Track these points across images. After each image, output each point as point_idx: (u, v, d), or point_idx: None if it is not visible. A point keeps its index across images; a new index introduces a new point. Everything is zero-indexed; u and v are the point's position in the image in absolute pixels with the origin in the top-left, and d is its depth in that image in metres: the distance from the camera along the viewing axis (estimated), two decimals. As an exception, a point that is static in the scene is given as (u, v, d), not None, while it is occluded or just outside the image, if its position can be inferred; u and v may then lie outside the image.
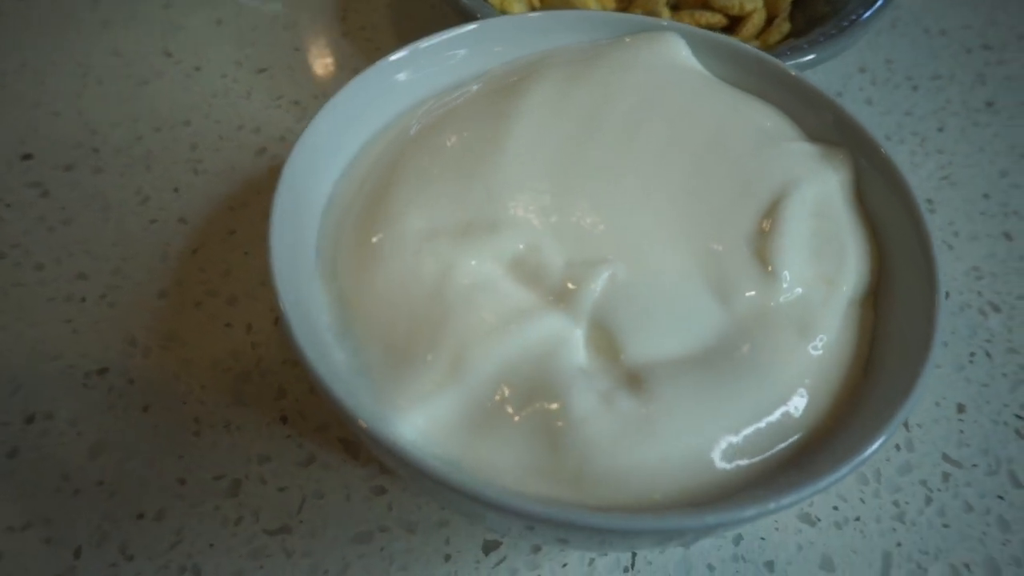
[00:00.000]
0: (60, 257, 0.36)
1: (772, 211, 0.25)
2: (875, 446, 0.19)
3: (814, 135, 0.28)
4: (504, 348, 0.22)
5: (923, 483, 0.30)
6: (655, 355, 0.22)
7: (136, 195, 0.38)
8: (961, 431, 0.32)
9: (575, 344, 0.22)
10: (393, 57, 0.29)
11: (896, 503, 0.30)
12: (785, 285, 0.23)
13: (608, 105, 0.27)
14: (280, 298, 0.21)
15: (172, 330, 0.33)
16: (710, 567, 0.28)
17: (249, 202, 0.38)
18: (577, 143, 0.26)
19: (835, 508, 0.29)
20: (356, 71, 0.45)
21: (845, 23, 0.36)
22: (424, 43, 0.29)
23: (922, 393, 0.20)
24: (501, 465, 0.21)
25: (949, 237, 0.39)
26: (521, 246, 0.23)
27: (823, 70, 0.46)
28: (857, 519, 0.29)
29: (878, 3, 0.37)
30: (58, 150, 0.40)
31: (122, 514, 0.28)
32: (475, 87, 0.29)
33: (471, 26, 0.29)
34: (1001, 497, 0.30)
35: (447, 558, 0.28)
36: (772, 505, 0.18)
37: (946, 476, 0.30)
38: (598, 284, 0.23)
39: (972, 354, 0.34)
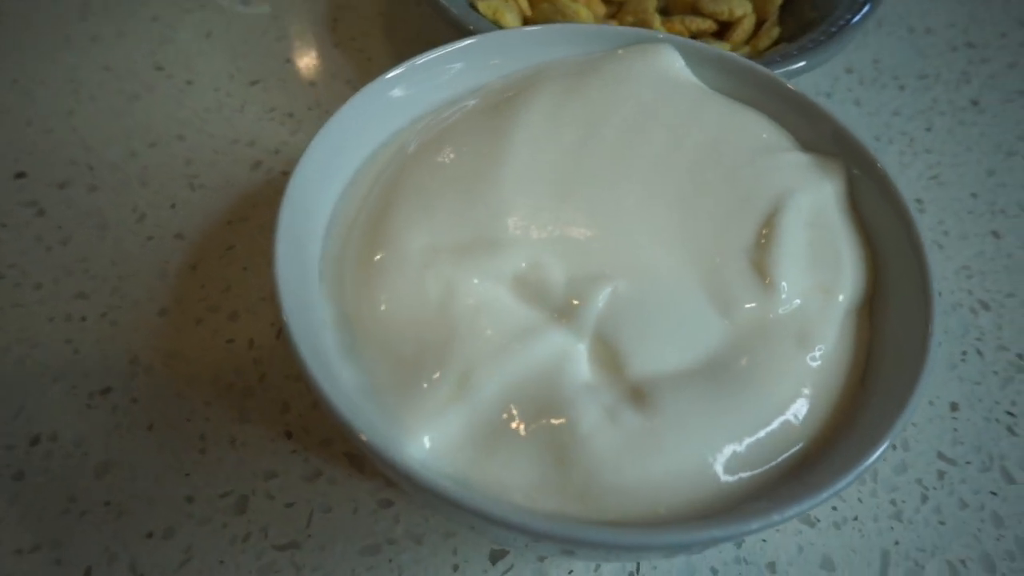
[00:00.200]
0: (58, 276, 0.36)
1: (769, 222, 0.25)
2: (875, 456, 0.20)
3: (807, 144, 0.29)
4: (509, 366, 0.22)
5: (919, 481, 0.31)
6: (658, 368, 0.22)
7: (133, 212, 0.39)
8: (955, 429, 0.32)
9: (579, 360, 0.23)
10: (390, 74, 0.29)
11: (893, 502, 0.30)
12: (784, 296, 0.24)
13: (604, 119, 0.28)
14: (288, 323, 0.21)
15: (174, 348, 0.33)
16: (713, 570, 0.28)
17: (247, 216, 0.38)
18: (575, 158, 0.27)
19: (834, 508, 0.30)
20: (349, 82, 0.46)
21: (834, 29, 0.37)
22: (421, 59, 0.29)
23: (919, 402, 0.21)
24: (509, 482, 0.21)
25: (939, 237, 0.39)
26: (523, 264, 0.24)
27: (811, 71, 0.46)
28: (855, 519, 0.30)
29: (865, 8, 0.38)
30: (52, 168, 0.40)
31: (131, 534, 0.28)
32: (471, 102, 0.30)
33: (468, 41, 0.30)
34: (994, 493, 0.31)
35: (455, 568, 0.28)
36: (776, 517, 0.19)
37: (941, 474, 0.31)
38: (600, 299, 0.23)
39: (964, 352, 0.35)
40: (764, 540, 0.29)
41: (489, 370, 0.22)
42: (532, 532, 0.18)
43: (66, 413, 0.31)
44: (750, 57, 0.40)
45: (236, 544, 0.28)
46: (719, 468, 0.21)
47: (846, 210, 0.27)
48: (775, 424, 0.22)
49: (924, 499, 0.30)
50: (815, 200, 0.26)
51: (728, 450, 0.21)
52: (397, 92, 0.29)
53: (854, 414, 0.22)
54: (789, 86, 0.28)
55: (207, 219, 0.38)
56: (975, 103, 0.47)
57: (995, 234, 0.40)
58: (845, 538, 0.29)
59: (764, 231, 0.25)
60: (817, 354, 0.23)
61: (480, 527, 0.22)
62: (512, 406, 0.22)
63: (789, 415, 0.22)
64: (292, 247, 0.24)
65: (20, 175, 0.40)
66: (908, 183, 0.42)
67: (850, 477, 0.19)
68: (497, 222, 0.25)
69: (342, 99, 0.44)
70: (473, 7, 0.41)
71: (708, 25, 0.41)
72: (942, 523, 0.30)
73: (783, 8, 0.43)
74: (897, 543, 0.29)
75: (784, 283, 0.24)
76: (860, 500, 0.30)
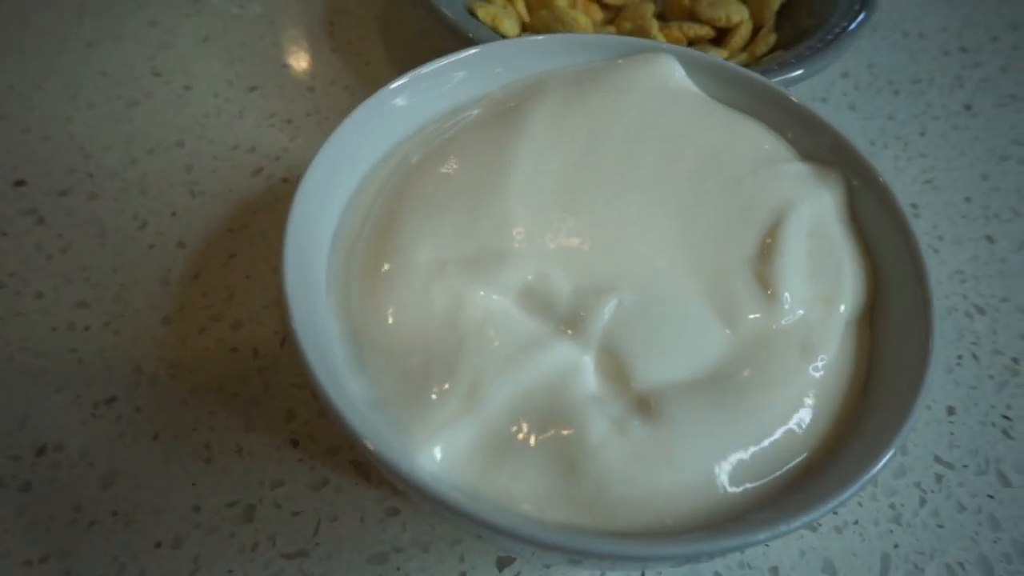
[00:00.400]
0: (59, 285, 0.36)
1: (770, 233, 0.26)
2: (879, 465, 0.20)
3: (806, 153, 0.29)
4: (518, 378, 0.22)
5: (917, 485, 0.31)
6: (664, 379, 0.23)
7: (133, 220, 0.39)
8: (952, 433, 0.33)
9: (586, 371, 0.23)
10: (394, 84, 0.29)
11: (892, 506, 0.31)
12: (786, 307, 0.24)
13: (607, 130, 0.28)
14: (297, 336, 0.21)
15: (178, 357, 0.33)
16: (717, 574, 0.29)
17: (248, 224, 0.39)
18: (578, 169, 0.27)
19: (835, 513, 0.30)
20: (347, 87, 0.46)
21: (830, 36, 0.37)
22: (425, 69, 0.29)
23: (921, 410, 0.21)
24: (518, 492, 0.21)
25: (934, 241, 0.40)
26: (529, 276, 0.24)
27: (807, 77, 0.47)
28: (856, 523, 0.30)
29: (860, 16, 0.38)
30: (52, 175, 0.40)
31: (139, 544, 0.28)
32: (474, 112, 0.30)
33: (471, 51, 0.30)
34: (991, 496, 0.31)
35: (462, 575, 0.28)
36: (784, 527, 0.19)
37: (939, 477, 0.32)
38: (606, 311, 0.23)
39: (960, 357, 0.35)
40: (767, 545, 0.29)
41: (497, 382, 0.22)
42: (545, 545, 0.19)
43: (71, 423, 0.31)
44: (747, 63, 0.40)
45: (244, 553, 0.28)
46: (725, 478, 0.21)
47: (845, 220, 0.27)
48: (779, 434, 0.22)
49: (922, 503, 0.31)
50: (815, 210, 0.27)
51: (733, 460, 0.22)
52: (400, 101, 0.30)
53: (857, 423, 0.23)
54: (791, 97, 0.28)
55: (208, 226, 0.38)
56: (968, 107, 0.47)
57: (989, 238, 0.40)
58: (846, 542, 0.30)
59: (766, 241, 0.25)
60: (820, 364, 0.24)
61: (488, 537, 0.23)
62: (520, 417, 0.22)
63: (793, 425, 0.23)
64: (299, 259, 0.24)
65: (19, 183, 0.40)
66: (903, 187, 0.42)
67: (855, 487, 0.20)
68: (502, 234, 0.25)
69: (341, 105, 0.45)
70: (472, 13, 0.41)
71: (706, 31, 0.42)
72: (940, 526, 0.30)
73: (779, 14, 0.43)
74: (897, 546, 0.30)
75: (787, 294, 0.24)
76: (860, 504, 0.31)
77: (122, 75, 0.46)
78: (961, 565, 0.29)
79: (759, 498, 0.22)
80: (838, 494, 0.19)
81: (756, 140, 0.28)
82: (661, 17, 0.45)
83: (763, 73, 0.34)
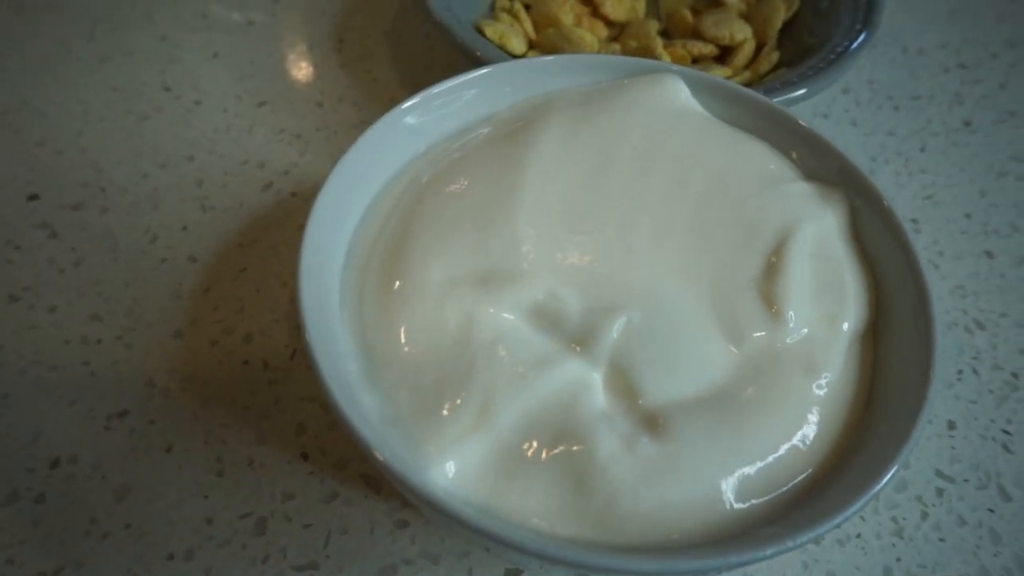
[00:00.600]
0: (72, 299, 0.36)
1: (776, 252, 0.26)
2: (884, 481, 0.20)
3: (810, 173, 0.30)
4: (528, 395, 0.23)
5: (919, 499, 0.32)
6: (671, 397, 0.23)
7: (145, 234, 0.39)
8: (952, 447, 0.33)
9: (595, 388, 0.23)
10: (406, 104, 0.29)
11: (894, 519, 0.31)
12: (791, 326, 0.25)
13: (614, 150, 0.28)
14: (313, 353, 0.22)
15: (189, 370, 0.34)
16: (721, 587, 0.29)
17: (259, 239, 0.39)
18: (587, 189, 0.27)
19: (839, 527, 0.31)
20: (355, 104, 0.47)
21: (832, 56, 0.38)
22: (436, 89, 0.30)
23: (924, 427, 0.22)
24: (529, 508, 0.22)
25: (934, 256, 0.40)
26: (540, 295, 0.25)
27: (809, 94, 0.48)
28: (858, 536, 0.31)
29: (862, 36, 0.39)
30: (64, 190, 0.41)
31: (152, 556, 0.29)
32: (483, 131, 0.31)
33: (482, 71, 0.30)
34: (992, 510, 0.32)
35: (470, 588, 0.29)
36: (790, 543, 0.19)
37: (940, 492, 0.32)
38: (615, 330, 0.24)
39: (960, 372, 0.36)
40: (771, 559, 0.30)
41: (508, 398, 0.23)
42: (554, 560, 0.19)
43: (85, 436, 0.32)
44: (750, 81, 0.41)
45: (256, 565, 0.29)
46: (731, 494, 0.22)
47: (848, 239, 0.28)
48: (784, 451, 0.23)
49: (924, 516, 0.31)
50: (819, 230, 0.27)
51: (739, 476, 0.22)
52: (411, 120, 0.30)
53: (860, 439, 0.23)
54: (797, 119, 0.29)
55: (219, 241, 0.39)
56: (967, 124, 0.48)
57: (988, 254, 0.41)
58: (849, 555, 0.30)
59: (772, 260, 0.26)
60: (823, 382, 0.24)
61: (499, 551, 0.23)
62: (531, 434, 0.23)
63: (797, 441, 0.23)
64: (314, 276, 0.25)
65: (33, 197, 0.40)
66: (904, 203, 0.43)
67: (860, 503, 0.20)
68: (513, 253, 0.25)
69: (349, 120, 0.45)
70: (479, 31, 0.42)
71: (709, 49, 0.42)
72: (942, 540, 0.31)
73: (782, 33, 0.44)
74: (899, 560, 0.30)
75: (791, 313, 0.25)
76: (863, 518, 0.31)
77: (133, 90, 0.46)
78: (963, 578, 0.30)
79: (765, 514, 0.22)
80: (843, 510, 0.20)
81: (761, 160, 0.29)
82: (665, 35, 0.46)
83: (767, 92, 0.35)
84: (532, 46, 0.44)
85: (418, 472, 0.22)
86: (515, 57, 0.41)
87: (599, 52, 0.43)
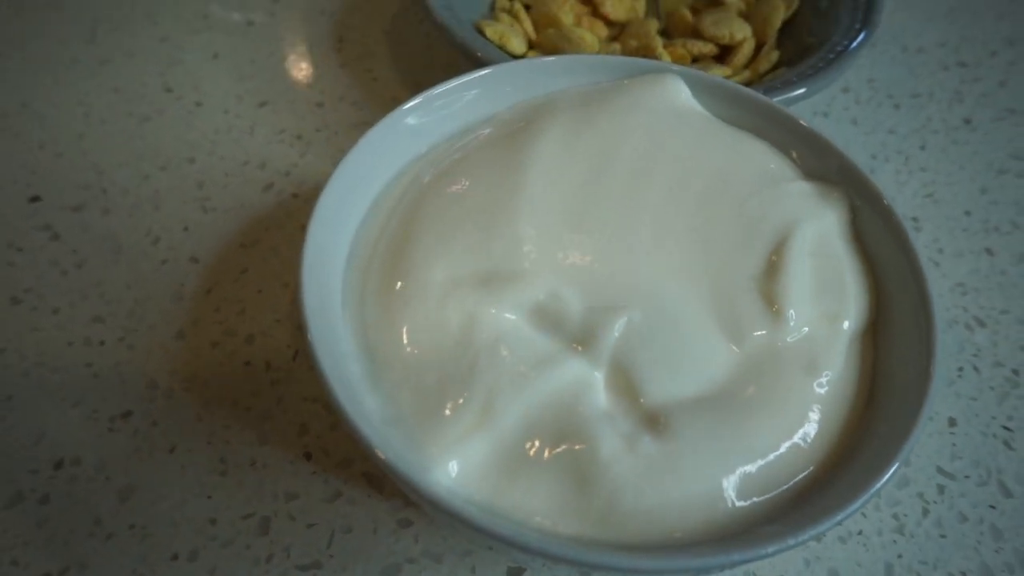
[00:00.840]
0: (75, 301, 0.37)
1: (776, 252, 0.26)
2: (885, 478, 0.21)
3: (810, 172, 0.30)
4: (530, 394, 0.23)
5: (920, 496, 0.32)
6: (672, 396, 0.23)
7: (147, 235, 0.39)
8: (953, 444, 0.33)
9: (596, 388, 0.23)
10: (407, 105, 0.30)
11: (896, 516, 0.31)
12: (792, 324, 0.25)
13: (615, 150, 0.29)
14: (316, 354, 0.22)
15: (192, 371, 0.34)
16: (723, 585, 0.29)
17: (259, 239, 0.39)
18: (588, 190, 0.27)
19: (840, 524, 0.31)
20: (355, 103, 0.47)
21: (831, 55, 0.38)
22: (437, 90, 0.30)
23: (925, 424, 0.22)
24: (531, 506, 0.22)
25: (935, 254, 0.40)
26: (541, 295, 0.25)
27: (809, 92, 0.48)
28: (860, 533, 0.31)
29: (861, 35, 0.39)
30: (66, 192, 0.41)
31: (156, 556, 0.29)
32: (484, 132, 0.31)
33: (483, 71, 0.31)
34: (993, 507, 0.32)
35: (473, 587, 0.29)
36: (792, 540, 0.19)
37: (941, 488, 0.32)
38: (616, 329, 0.24)
39: (960, 369, 0.36)
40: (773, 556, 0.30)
41: (510, 398, 0.23)
42: (556, 558, 0.19)
43: (88, 437, 0.32)
44: (750, 80, 0.41)
45: (260, 565, 0.29)
46: (732, 492, 0.22)
47: (848, 238, 0.28)
48: (785, 449, 0.23)
49: (925, 513, 0.31)
50: (819, 229, 0.27)
51: (741, 474, 0.22)
52: (412, 121, 0.30)
53: (861, 437, 0.23)
54: (797, 119, 0.29)
55: (220, 242, 0.39)
56: (967, 121, 0.48)
57: (989, 251, 0.41)
58: (850, 552, 0.30)
59: (772, 259, 0.26)
60: (824, 380, 0.24)
61: (501, 549, 0.23)
62: (533, 433, 0.23)
63: (798, 439, 0.23)
64: (316, 276, 0.25)
65: (34, 199, 0.40)
66: (905, 201, 0.43)
67: (861, 500, 0.20)
68: (514, 254, 0.26)
69: (349, 120, 0.46)
70: (479, 31, 0.42)
71: (709, 49, 0.42)
72: (943, 536, 0.31)
73: (781, 32, 0.44)
74: (900, 556, 0.30)
75: (792, 311, 0.25)
76: (864, 515, 0.31)
77: (134, 92, 0.46)
78: (964, 575, 0.30)
79: (766, 511, 0.22)
80: (845, 507, 0.20)
81: (761, 160, 0.29)
82: (665, 34, 0.46)
83: (766, 91, 0.35)
84: (532, 46, 0.44)
85: (421, 472, 0.22)
86: (515, 57, 0.41)
87: (599, 52, 0.43)
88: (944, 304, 0.38)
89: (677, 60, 0.42)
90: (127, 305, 0.36)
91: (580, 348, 0.24)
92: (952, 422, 0.34)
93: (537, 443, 0.22)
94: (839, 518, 0.20)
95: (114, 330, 0.35)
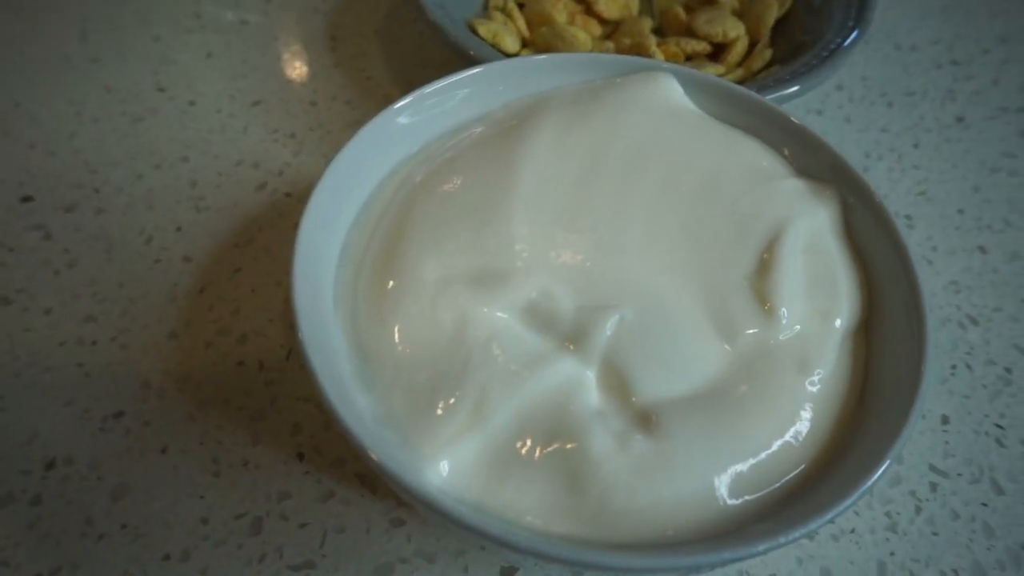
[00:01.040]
0: (67, 300, 0.36)
1: (768, 249, 0.26)
2: (876, 476, 0.21)
3: (802, 169, 0.30)
4: (522, 393, 0.23)
5: (912, 494, 0.32)
6: (664, 394, 0.23)
7: (140, 235, 0.39)
8: (946, 442, 0.33)
9: (588, 386, 0.23)
10: (399, 104, 0.29)
11: (888, 514, 0.31)
12: (784, 322, 0.25)
13: (607, 149, 0.29)
14: (307, 354, 0.22)
15: (184, 371, 0.34)
16: (716, 583, 0.29)
17: (253, 239, 0.39)
18: (580, 188, 0.27)
19: (831, 522, 0.31)
20: (349, 102, 0.47)
21: (825, 53, 0.38)
22: (429, 88, 0.30)
23: (916, 422, 0.22)
24: (523, 506, 0.22)
25: (928, 252, 0.41)
26: (533, 293, 0.25)
27: (802, 90, 0.48)
28: (852, 531, 0.31)
29: (854, 33, 0.39)
30: (58, 191, 0.41)
31: (148, 556, 0.29)
32: (476, 131, 0.31)
33: (475, 69, 0.31)
34: (985, 504, 0.32)
35: (466, 586, 0.29)
36: (783, 538, 0.19)
37: (933, 486, 0.32)
38: (608, 328, 0.24)
39: (953, 367, 0.36)
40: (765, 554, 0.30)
41: (502, 397, 0.23)
42: (548, 557, 0.19)
43: (80, 437, 0.32)
44: (743, 79, 0.41)
45: (252, 565, 0.29)
46: (724, 490, 0.22)
47: (840, 235, 0.28)
48: (777, 447, 0.23)
49: (918, 511, 0.31)
50: (811, 226, 0.27)
51: (733, 473, 0.22)
52: (404, 120, 0.30)
53: (853, 435, 0.23)
54: (789, 116, 0.29)
55: (213, 241, 0.39)
56: (960, 120, 0.48)
57: (982, 249, 0.41)
58: (843, 550, 0.30)
59: (764, 257, 0.26)
60: (816, 378, 0.24)
61: (493, 549, 0.23)
62: (525, 432, 0.23)
63: (790, 438, 0.23)
64: (308, 275, 0.25)
65: (26, 199, 0.40)
66: (898, 199, 0.43)
67: (853, 498, 0.20)
68: (506, 252, 0.26)
69: (343, 119, 0.45)
70: (472, 30, 0.42)
71: (703, 47, 0.42)
72: (935, 534, 0.31)
73: (775, 30, 0.44)
74: (893, 554, 0.30)
75: (784, 309, 0.25)
76: (857, 513, 0.31)
77: (126, 91, 0.46)
78: (956, 572, 0.30)
79: (758, 509, 0.22)
80: (836, 505, 0.20)
81: (753, 158, 0.29)
82: (658, 32, 0.46)
83: (760, 89, 0.35)
84: (525, 44, 0.44)
85: (413, 472, 0.22)
86: (508, 56, 0.41)
87: (592, 50, 0.43)
88: (937, 302, 0.38)
89: (670, 58, 0.42)
90: (120, 305, 0.36)
91: (572, 347, 0.24)
92: (945, 420, 0.34)
93: (529, 442, 0.22)
94: (830, 516, 0.20)
95: (107, 330, 0.35)
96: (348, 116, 0.46)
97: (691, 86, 0.31)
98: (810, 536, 0.30)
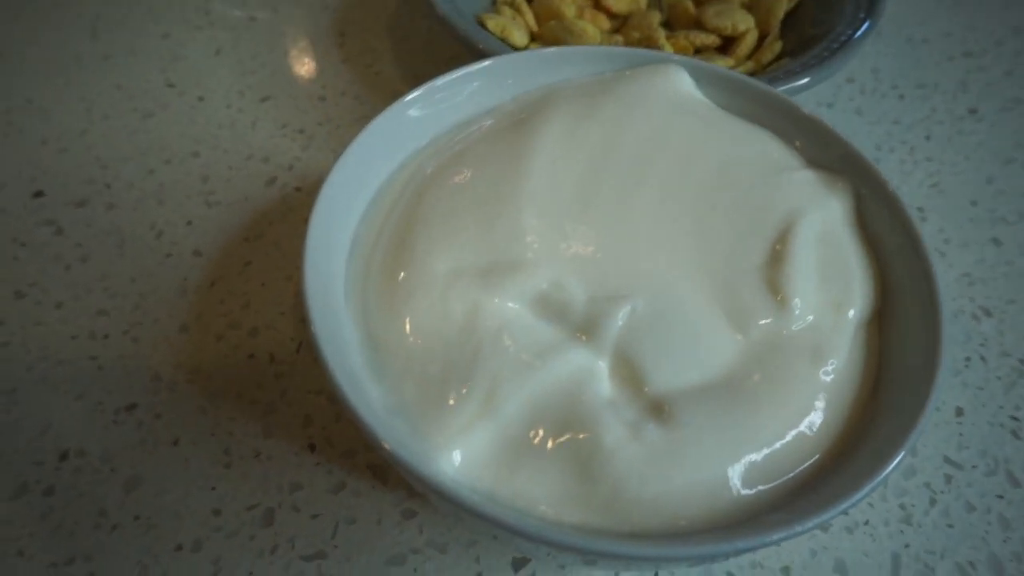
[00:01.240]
0: (79, 294, 0.37)
1: (781, 240, 0.26)
2: (891, 466, 0.20)
3: (813, 161, 0.30)
4: (534, 383, 0.23)
5: (927, 485, 0.32)
6: (677, 384, 0.23)
7: (151, 230, 0.39)
8: (960, 434, 0.33)
9: (600, 376, 0.23)
10: (409, 96, 0.29)
11: (903, 506, 0.31)
12: (797, 313, 0.25)
13: (619, 140, 0.28)
14: (319, 345, 0.22)
15: (196, 364, 0.34)
16: (729, 574, 0.29)
17: (263, 233, 0.39)
18: (591, 180, 0.27)
19: (845, 513, 0.31)
20: (357, 97, 0.47)
21: (835, 45, 0.38)
22: (440, 81, 0.30)
23: (931, 414, 0.21)
24: (535, 495, 0.22)
25: (940, 244, 0.40)
26: (544, 284, 0.25)
27: (813, 83, 0.47)
28: (866, 523, 0.31)
29: (865, 25, 0.39)
30: (69, 187, 0.41)
31: (160, 548, 0.29)
32: (486, 123, 0.31)
33: (485, 62, 0.30)
34: (1000, 496, 0.32)
35: (478, 577, 0.29)
36: (798, 528, 0.19)
37: (948, 478, 0.32)
38: (620, 318, 0.24)
39: (967, 359, 0.36)
40: (778, 545, 0.30)
41: (513, 387, 0.23)
42: (562, 546, 0.19)
43: (93, 429, 0.32)
44: (753, 71, 0.41)
45: (264, 556, 0.29)
46: (737, 481, 0.22)
47: (853, 226, 0.28)
48: (791, 437, 0.23)
49: (932, 503, 0.31)
50: (824, 218, 0.27)
51: (746, 463, 0.22)
52: (414, 112, 0.30)
53: (867, 426, 0.23)
54: (801, 108, 0.29)
55: (224, 235, 0.39)
56: (973, 111, 0.48)
57: (995, 241, 0.40)
58: (857, 542, 0.30)
59: (777, 248, 0.26)
60: (830, 368, 0.24)
61: (505, 538, 0.23)
62: (537, 422, 0.23)
63: (804, 428, 0.23)
64: (319, 268, 0.25)
65: (38, 194, 0.41)
66: (910, 191, 0.43)
67: (868, 488, 0.20)
68: (517, 243, 0.25)
69: (352, 114, 0.45)
70: (481, 24, 0.42)
71: (712, 40, 0.42)
72: (950, 526, 0.31)
73: (784, 23, 0.44)
74: (907, 546, 0.30)
75: (797, 300, 0.25)
76: (871, 505, 0.31)
77: (137, 87, 0.47)
78: (972, 565, 0.30)
79: (772, 500, 0.22)
80: (851, 495, 0.20)
81: (764, 149, 0.29)
82: (667, 26, 0.46)
83: (770, 82, 0.35)
84: (534, 39, 0.44)
85: (425, 461, 0.22)
86: (517, 50, 0.41)
87: (601, 44, 0.43)
88: (950, 294, 0.38)
89: (680, 51, 0.42)
90: (131, 299, 0.36)
91: (584, 337, 0.24)
92: (959, 412, 0.34)
93: (541, 432, 0.22)
94: (845, 506, 0.20)
95: (118, 323, 0.35)
96: (357, 111, 0.46)
97: (702, 78, 0.31)
98: (824, 528, 0.30)
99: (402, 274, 0.25)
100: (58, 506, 0.30)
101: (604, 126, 0.29)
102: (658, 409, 0.23)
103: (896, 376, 0.24)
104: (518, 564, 0.29)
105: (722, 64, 0.41)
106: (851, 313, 0.25)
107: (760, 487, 0.22)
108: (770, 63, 0.41)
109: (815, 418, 0.23)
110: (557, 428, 0.22)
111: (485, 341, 0.23)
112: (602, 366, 0.24)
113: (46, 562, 0.28)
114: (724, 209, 0.27)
